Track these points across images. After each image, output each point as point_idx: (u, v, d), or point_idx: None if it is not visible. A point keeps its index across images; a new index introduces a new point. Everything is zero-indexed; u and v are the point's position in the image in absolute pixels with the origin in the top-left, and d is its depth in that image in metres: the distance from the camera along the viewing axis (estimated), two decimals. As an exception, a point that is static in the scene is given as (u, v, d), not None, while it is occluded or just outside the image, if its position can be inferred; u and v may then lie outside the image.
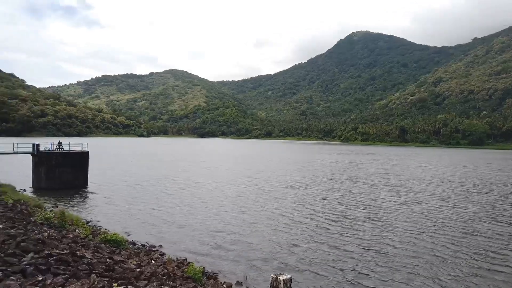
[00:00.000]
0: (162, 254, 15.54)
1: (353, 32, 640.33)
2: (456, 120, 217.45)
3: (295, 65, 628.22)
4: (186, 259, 14.99)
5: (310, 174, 48.41)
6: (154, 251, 16.00)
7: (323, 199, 29.97)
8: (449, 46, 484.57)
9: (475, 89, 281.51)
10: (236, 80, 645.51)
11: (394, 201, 29.41)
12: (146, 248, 16.21)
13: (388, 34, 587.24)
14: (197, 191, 32.81)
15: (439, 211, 25.76)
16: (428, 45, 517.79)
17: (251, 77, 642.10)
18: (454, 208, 27.16)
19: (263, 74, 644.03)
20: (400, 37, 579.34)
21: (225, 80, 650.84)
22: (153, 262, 13.66)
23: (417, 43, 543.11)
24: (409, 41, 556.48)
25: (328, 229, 20.45)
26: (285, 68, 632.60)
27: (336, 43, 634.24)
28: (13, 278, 6.97)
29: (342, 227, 20.95)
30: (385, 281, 13.53)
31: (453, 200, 30.38)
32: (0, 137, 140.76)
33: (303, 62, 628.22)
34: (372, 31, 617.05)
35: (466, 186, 39.50)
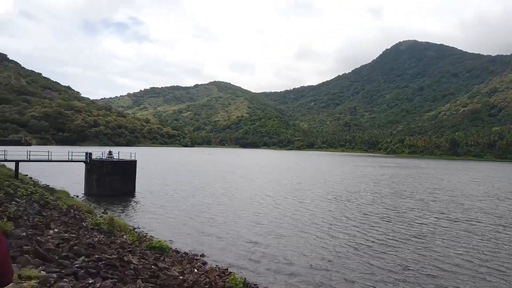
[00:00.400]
0: (204, 263, 15.78)
1: (399, 42, 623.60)
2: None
3: (339, 75, 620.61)
4: (227, 269, 15.11)
5: (352, 187, 47.21)
6: (196, 259, 16.29)
7: (365, 214, 29.07)
8: (504, 54, 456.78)
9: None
10: (279, 91, 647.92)
11: (443, 218, 27.90)
12: (188, 256, 16.54)
13: (437, 43, 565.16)
14: (237, 201, 33.08)
15: (492, 231, 24.09)
16: (481, 53, 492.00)
17: (294, 88, 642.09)
18: (510, 227, 25.27)
19: (305, 85, 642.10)
20: (450, 45, 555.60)
21: (267, 91, 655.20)
22: (195, 270, 13.90)
23: (469, 51, 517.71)
24: (460, 49, 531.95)
25: (370, 246, 19.77)
26: (328, 79, 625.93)
27: (381, 53, 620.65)
28: (66, 280, 7.40)
29: (385, 244, 20.18)
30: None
31: (508, 219, 28.29)
32: (57, 146, 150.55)
33: (347, 72, 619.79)
34: (420, 40, 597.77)
35: (525, 204, 36.63)
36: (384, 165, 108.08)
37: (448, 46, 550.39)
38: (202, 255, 17.17)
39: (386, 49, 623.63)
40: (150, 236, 19.48)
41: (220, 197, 35.27)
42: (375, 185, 50.63)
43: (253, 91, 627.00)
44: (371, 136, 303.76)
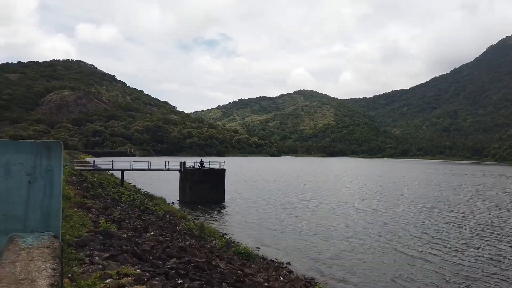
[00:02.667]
0: (290, 272, 15.59)
1: (506, 36, 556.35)
2: None
3: (435, 77, 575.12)
4: (313, 279, 14.74)
5: (447, 199, 42.82)
6: (282, 267, 16.18)
7: (462, 228, 26.03)
8: None
9: None
10: (367, 96, 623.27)
11: None
12: (274, 264, 16.51)
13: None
14: (326, 212, 32.25)
15: None
16: None
17: (384, 93, 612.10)
18: None
19: (397, 89, 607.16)
20: None
21: (355, 97, 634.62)
22: (281, 278, 13.80)
23: None
24: None
25: (469, 267, 17.57)
26: (421, 82, 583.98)
27: (485, 49, 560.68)
28: (157, 279, 7.86)
29: (486, 264, 17.73)
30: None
31: None
32: (156, 156, 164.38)
33: (444, 73, 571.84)
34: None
35: None
36: (488, 174, 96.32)
37: None
38: (288, 264, 17.01)
39: (491, 45, 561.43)
40: (238, 242, 19.94)
41: (309, 206, 34.78)
42: (473, 196, 45.19)
43: (340, 98, 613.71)
44: (475, 141, 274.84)
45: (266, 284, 11.78)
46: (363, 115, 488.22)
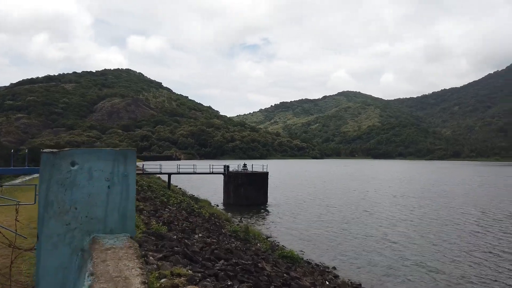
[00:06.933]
0: (336, 276, 15.44)
1: None
2: None
3: (489, 74, 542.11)
4: (360, 285, 14.50)
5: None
6: (328, 272, 16.06)
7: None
8: None
9: None
10: (415, 96, 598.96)
11: None
12: (320, 268, 16.42)
13: None
14: (375, 218, 31.17)
15: None
16: None
17: (433, 92, 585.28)
18: None
19: (447, 88, 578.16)
20: None
21: (401, 97, 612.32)
22: (327, 283, 13.73)
23: None
24: None
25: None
26: (475, 79, 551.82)
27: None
28: (208, 280, 8.15)
29: None
30: None
31: None
32: (200, 160, 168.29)
33: (499, 70, 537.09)
34: None
35: None
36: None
37: None
38: (334, 268, 16.83)
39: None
40: (282, 245, 20.00)
41: (355, 211, 33.95)
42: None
43: (385, 99, 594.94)
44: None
45: (312, 288, 11.78)
46: (410, 115, 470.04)
